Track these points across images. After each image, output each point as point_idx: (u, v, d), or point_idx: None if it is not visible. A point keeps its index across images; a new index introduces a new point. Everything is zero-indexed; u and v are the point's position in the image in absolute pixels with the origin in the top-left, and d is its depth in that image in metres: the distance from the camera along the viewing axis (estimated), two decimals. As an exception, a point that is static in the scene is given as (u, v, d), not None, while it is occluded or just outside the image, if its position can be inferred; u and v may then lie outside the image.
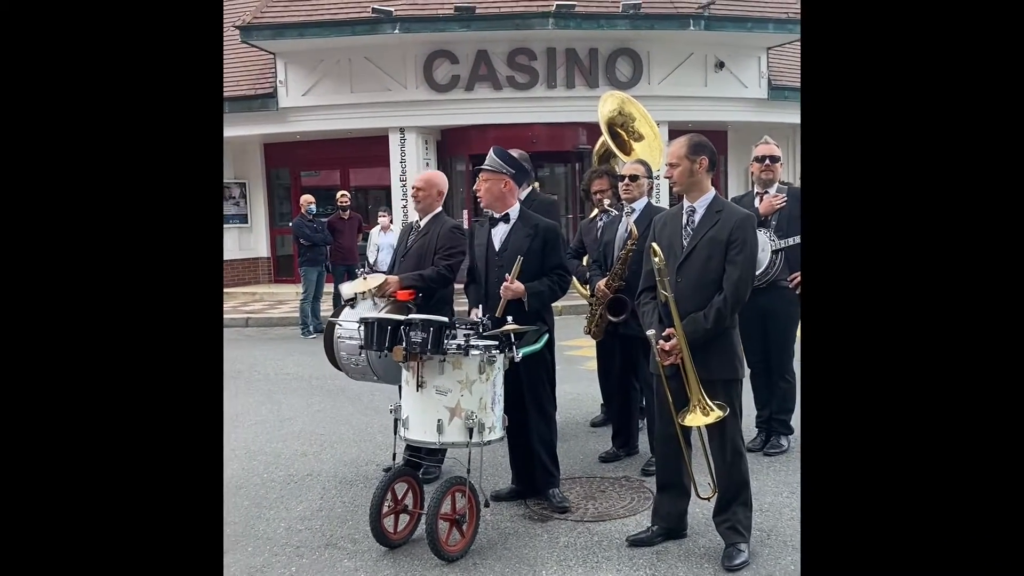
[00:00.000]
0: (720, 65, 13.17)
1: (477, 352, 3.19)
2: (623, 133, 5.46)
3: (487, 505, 3.45)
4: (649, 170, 4.36)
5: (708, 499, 3.25)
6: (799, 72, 11.62)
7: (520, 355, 3.34)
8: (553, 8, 11.61)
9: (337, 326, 3.82)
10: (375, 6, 11.66)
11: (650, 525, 3.34)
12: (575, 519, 3.60)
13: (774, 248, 4.28)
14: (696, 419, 3.08)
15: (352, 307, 3.87)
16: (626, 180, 4.24)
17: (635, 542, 3.28)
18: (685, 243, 3.19)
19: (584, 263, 4.89)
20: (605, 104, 5.53)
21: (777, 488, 3.89)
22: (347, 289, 3.95)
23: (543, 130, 12.64)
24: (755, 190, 4.54)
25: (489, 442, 3.26)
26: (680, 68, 12.93)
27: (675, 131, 11.55)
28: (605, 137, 5.41)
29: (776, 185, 4.45)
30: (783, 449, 4.40)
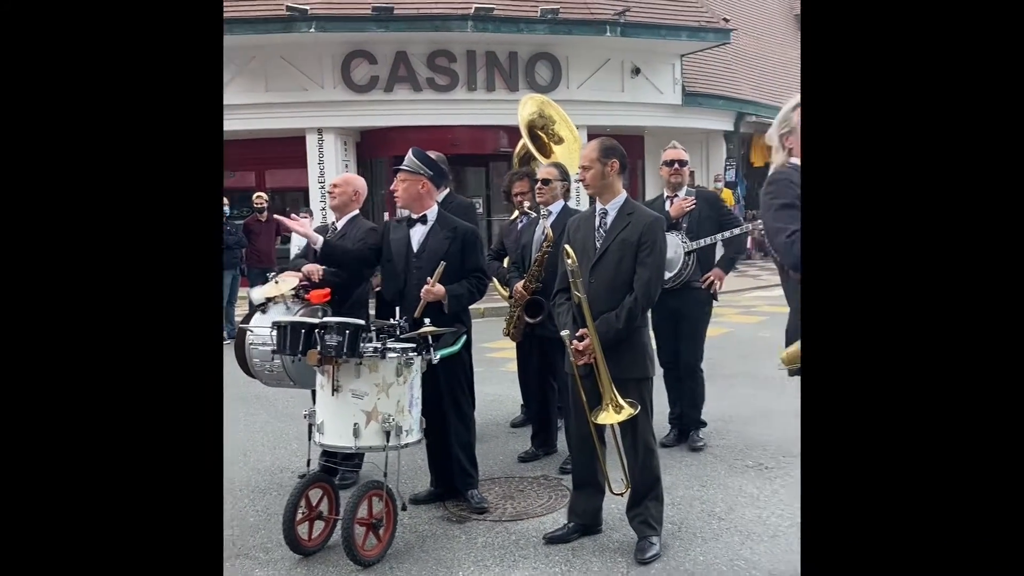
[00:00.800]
0: (636, 71, 13.47)
1: (394, 355, 3.17)
2: (543, 136, 5.52)
3: (404, 508, 3.44)
4: (564, 173, 4.43)
5: (621, 495, 3.32)
6: (711, 79, 12.04)
7: (438, 357, 3.34)
8: (472, 11, 11.64)
9: (249, 332, 3.73)
10: (289, 3, 11.44)
11: (566, 522, 3.40)
12: (493, 519, 3.62)
13: (686, 250, 4.41)
14: (608, 417, 3.14)
15: (263, 312, 3.79)
16: (539, 183, 4.30)
17: (551, 539, 3.32)
18: (598, 245, 3.26)
19: (505, 265, 4.92)
20: (525, 107, 5.59)
21: (688, 482, 4.00)
22: (257, 294, 3.86)
23: (464, 132, 12.66)
24: (665, 193, 4.67)
25: (407, 445, 3.25)
26: (598, 73, 13.16)
27: (594, 135, 11.69)
28: (525, 140, 5.46)
29: (685, 188, 4.59)
30: (703, 442, 4.54)
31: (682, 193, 4.56)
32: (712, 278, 4.46)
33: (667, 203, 4.57)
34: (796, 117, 2.73)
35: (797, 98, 2.83)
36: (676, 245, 4.36)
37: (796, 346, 2.69)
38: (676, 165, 4.55)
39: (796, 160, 2.76)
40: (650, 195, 16.85)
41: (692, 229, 4.47)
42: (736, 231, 4.50)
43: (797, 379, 2.44)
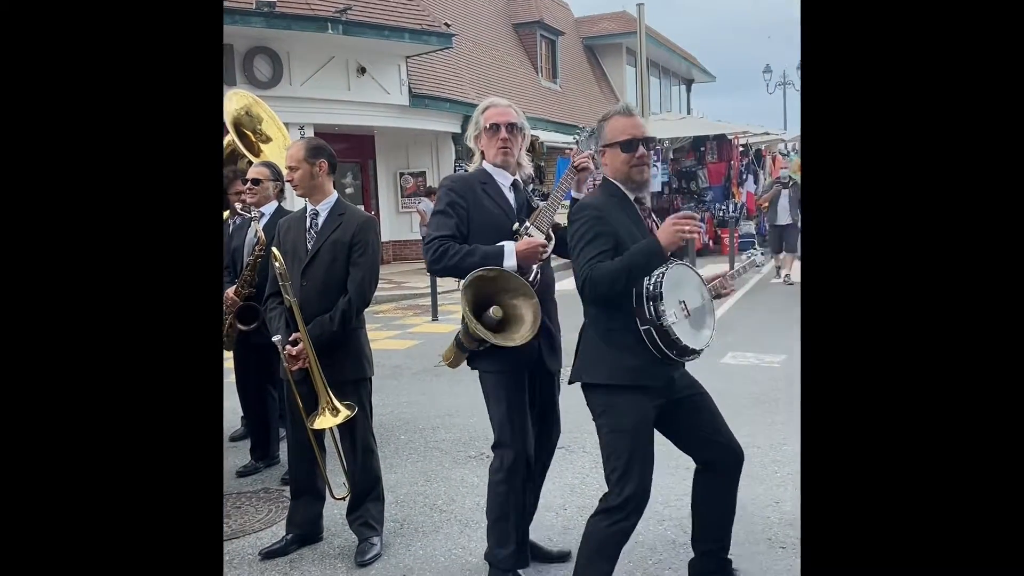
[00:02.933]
0: (362, 70, 13.38)
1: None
2: (250, 134, 5.26)
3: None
4: (276, 173, 4.27)
5: (343, 499, 3.27)
6: (437, 82, 12.30)
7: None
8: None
9: None
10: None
11: (284, 534, 3.27)
12: (206, 542, 3.39)
13: None
14: (325, 421, 3.08)
15: None
16: (249, 183, 4.10)
17: (268, 554, 3.18)
18: (309, 246, 3.18)
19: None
20: (231, 102, 5.28)
21: (413, 478, 4.06)
22: None
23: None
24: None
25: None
26: (322, 71, 12.87)
27: (321, 133, 11.55)
28: (232, 136, 5.17)
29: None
30: None
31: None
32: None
33: None
34: (483, 120, 2.86)
35: (486, 101, 2.96)
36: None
37: (452, 344, 2.90)
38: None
39: (488, 165, 2.88)
40: (384, 196, 16.88)
41: None
42: None
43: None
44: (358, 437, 3.20)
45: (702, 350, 2.47)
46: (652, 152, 2.59)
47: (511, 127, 2.84)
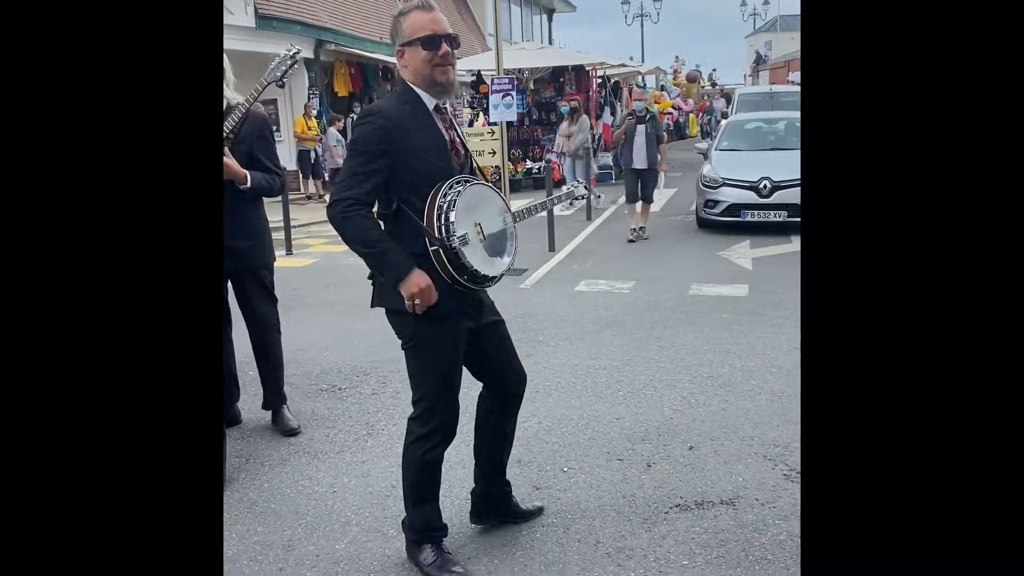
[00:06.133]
0: (202, -12, 12.44)
1: None
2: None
3: None
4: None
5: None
6: (287, 3, 11.58)
7: None
8: None
9: None
10: None
11: None
12: None
13: None
14: None
15: None
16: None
17: None
18: None
19: None
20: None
21: (261, 413, 3.96)
22: None
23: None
24: None
25: None
26: (157, -13, 11.87)
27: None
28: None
29: None
30: None
31: None
32: None
33: None
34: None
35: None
36: None
37: None
38: None
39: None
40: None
41: None
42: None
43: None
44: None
45: (497, 277, 2.36)
46: (455, 52, 2.33)
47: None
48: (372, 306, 2.46)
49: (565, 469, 3.24)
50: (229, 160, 3.22)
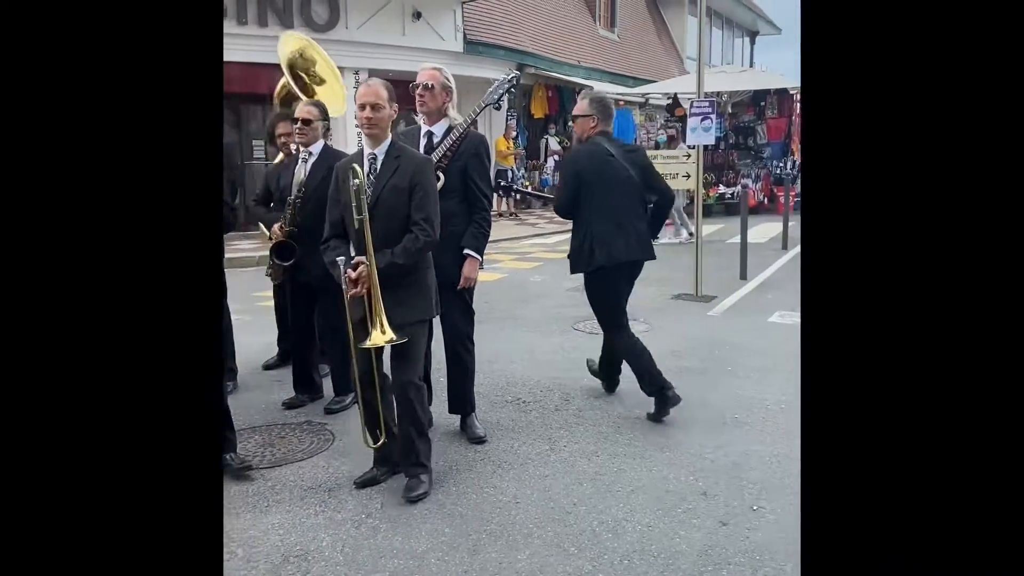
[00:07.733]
0: (417, 15, 13.30)
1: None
2: (305, 76, 5.32)
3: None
4: (324, 112, 4.31)
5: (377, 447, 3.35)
6: (492, 29, 12.11)
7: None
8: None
9: None
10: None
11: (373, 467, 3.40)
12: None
13: None
14: (376, 339, 3.05)
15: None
16: (299, 124, 4.15)
17: (363, 483, 3.34)
18: (369, 191, 3.16)
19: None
20: (286, 44, 5.33)
21: (449, 420, 4.13)
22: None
23: (236, 70, 11.86)
24: None
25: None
26: (378, 15, 12.83)
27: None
28: (287, 79, 5.23)
29: None
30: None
31: None
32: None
33: None
34: None
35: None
36: None
37: None
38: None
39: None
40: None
41: None
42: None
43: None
44: (411, 371, 3.20)
45: None
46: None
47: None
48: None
49: (755, 508, 3.11)
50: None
